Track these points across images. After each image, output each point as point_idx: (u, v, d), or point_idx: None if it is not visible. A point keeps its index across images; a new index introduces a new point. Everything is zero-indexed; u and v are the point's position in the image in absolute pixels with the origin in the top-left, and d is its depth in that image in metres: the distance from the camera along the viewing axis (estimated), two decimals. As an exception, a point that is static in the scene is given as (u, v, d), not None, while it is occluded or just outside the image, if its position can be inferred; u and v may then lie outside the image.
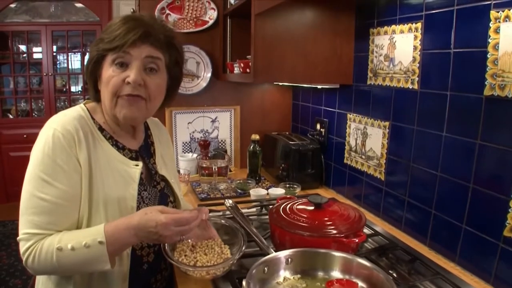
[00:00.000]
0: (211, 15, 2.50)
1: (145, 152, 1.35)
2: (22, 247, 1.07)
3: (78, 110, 1.21)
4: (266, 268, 1.12)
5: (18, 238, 1.09)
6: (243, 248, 1.21)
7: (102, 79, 1.18)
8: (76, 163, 1.12)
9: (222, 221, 1.35)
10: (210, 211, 1.74)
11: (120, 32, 1.12)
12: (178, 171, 2.17)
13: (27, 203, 1.08)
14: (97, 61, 1.18)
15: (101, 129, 1.22)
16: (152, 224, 1.08)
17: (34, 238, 1.06)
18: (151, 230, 1.08)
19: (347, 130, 2.09)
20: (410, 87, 1.59)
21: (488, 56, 1.23)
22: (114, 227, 1.09)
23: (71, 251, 1.04)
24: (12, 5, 4.69)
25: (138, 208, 1.22)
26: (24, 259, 1.07)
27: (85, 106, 1.24)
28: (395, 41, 1.67)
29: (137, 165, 1.25)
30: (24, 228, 1.08)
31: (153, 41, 1.18)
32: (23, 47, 5.03)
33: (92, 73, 1.21)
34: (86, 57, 5.10)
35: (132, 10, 2.95)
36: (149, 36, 1.16)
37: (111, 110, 1.19)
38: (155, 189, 1.33)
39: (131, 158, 1.27)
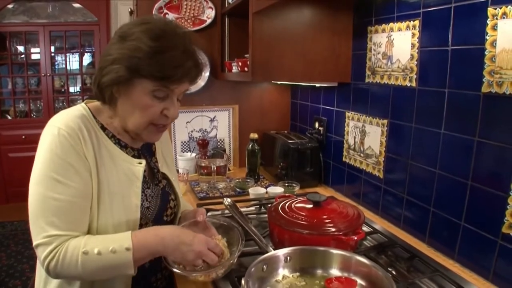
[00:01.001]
0: (209, 14, 2.50)
1: (146, 151, 1.36)
2: (43, 251, 1.04)
3: (79, 109, 1.20)
4: (265, 266, 1.12)
5: (35, 243, 1.05)
6: (241, 247, 1.21)
7: (131, 99, 1.13)
8: (84, 160, 1.11)
9: (220, 220, 1.35)
10: (209, 210, 1.75)
11: (180, 72, 1.10)
12: (177, 171, 2.17)
13: (42, 206, 1.06)
14: (128, 79, 1.10)
15: (103, 128, 1.22)
16: (189, 236, 1.13)
17: (57, 241, 1.04)
18: (185, 241, 1.12)
19: (345, 129, 2.09)
20: (408, 84, 1.59)
21: (486, 53, 1.24)
22: (142, 235, 1.11)
23: (97, 255, 1.03)
24: (10, 6, 4.69)
25: (142, 206, 1.23)
26: (46, 264, 1.04)
27: (87, 106, 1.23)
28: (393, 39, 1.67)
29: (140, 163, 1.25)
30: (42, 232, 1.04)
31: (196, 79, 1.20)
32: (21, 48, 5.03)
33: (115, 84, 1.12)
34: (85, 58, 5.14)
35: (129, 10, 2.95)
36: (195, 77, 1.19)
37: (136, 130, 1.18)
38: (157, 187, 1.33)
39: (134, 156, 1.27)
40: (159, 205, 1.30)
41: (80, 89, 5.21)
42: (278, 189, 2.07)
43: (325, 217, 1.36)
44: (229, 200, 1.58)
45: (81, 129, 1.13)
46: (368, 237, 1.61)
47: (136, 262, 1.08)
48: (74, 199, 1.08)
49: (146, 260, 1.14)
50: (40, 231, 1.05)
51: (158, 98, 1.13)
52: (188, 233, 1.15)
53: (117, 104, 1.17)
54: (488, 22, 1.22)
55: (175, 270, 1.15)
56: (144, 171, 1.27)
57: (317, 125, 2.38)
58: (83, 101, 1.28)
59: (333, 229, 1.29)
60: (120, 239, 1.08)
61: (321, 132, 2.33)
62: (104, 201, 1.15)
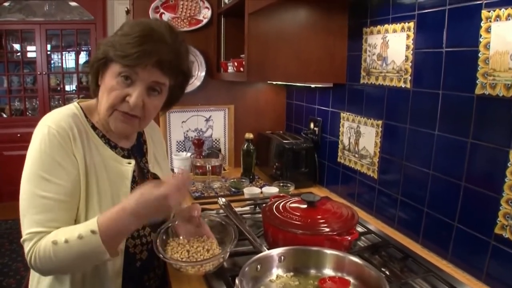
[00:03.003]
0: (205, 14, 2.50)
1: (137, 151, 1.36)
2: (26, 247, 1.05)
3: (71, 108, 1.21)
4: (259, 266, 1.12)
5: (22, 240, 1.07)
6: (234, 242, 1.20)
7: (104, 82, 1.17)
8: (73, 159, 1.12)
9: (217, 219, 1.35)
10: (204, 209, 1.74)
11: (135, 52, 1.09)
12: (172, 170, 2.17)
13: (29, 203, 1.07)
14: (103, 62, 1.16)
15: (94, 128, 1.22)
16: (149, 189, 1.05)
17: (37, 237, 1.05)
18: (148, 197, 1.04)
19: (340, 129, 2.10)
20: (403, 86, 1.60)
21: (480, 55, 1.24)
22: (107, 214, 1.06)
23: (65, 243, 1.02)
24: (6, 4, 4.67)
25: None
26: (28, 259, 1.06)
27: (79, 105, 1.24)
28: (388, 40, 1.68)
29: (129, 163, 1.26)
30: (27, 228, 1.06)
31: (165, 67, 1.15)
32: (17, 46, 5.01)
33: (96, 69, 1.19)
34: (81, 56, 5.13)
35: (126, 9, 2.94)
36: (162, 63, 1.14)
37: (105, 117, 1.18)
38: None
39: (124, 157, 1.27)
40: None
41: (76, 87, 5.20)
42: (273, 189, 2.07)
43: (319, 217, 1.36)
44: (223, 199, 1.58)
45: (72, 128, 1.14)
46: (362, 238, 1.61)
47: (108, 244, 1.04)
48: (60, 197, 1.08)
49: (121, 239, 1.12)
50: (25, 228, 1.07)
51: (124, 83, 1.14)
52: (149, 198, 1.04)
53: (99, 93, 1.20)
54: (482, 24, 1.23)
55: (166, 259, 1.14)
56: (134, 171, 1.27)
57: (312, 125, 2.39)
58: (78, 99, 1.28)
59: (327, 229, 1.29)
60: (86, 223, 1.06)
61: (316, 132, 2.33)
62: (93, 200, 1.15)
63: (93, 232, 1.02)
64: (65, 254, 1.03)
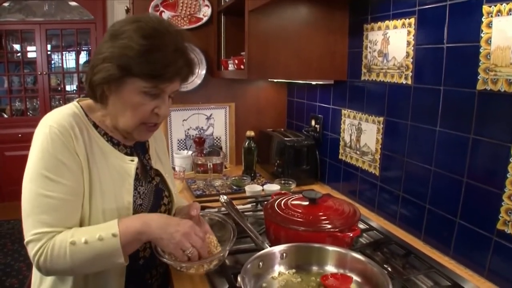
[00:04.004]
0: (205, 12, 2.50)
1: (139, 148, 1.36)
2: (33, 248, 1.04)
3: (71, 107, 1.20)
4: (261, 263, 1.13)
5: (26, 240, 1.06)
6: (234, 240, 1.20)
7: (123, 97, 1.13)
8: (76, 157, 1.12)
9: (217, 217, 1.35)
10: (205, 207, 1.75)
11: (170, 71, 1.10)
12: (173, 168, 2.17)
13: (33, 203, 1.07)
14: (120, 78, 1.10)
15: (95, 126, 1.22)
16: (175, 219, 1.14)
17: (46, 237, 1.04)
18: (171, 222, 1.12)
19: (341, 126, 2.10)
20: (404, 82, 1.60)
21: (481, 50, 1.24)
22: (127, 220, 1.10)
23: (85, 244, 1.03)
24: (6, 4, 4.67)
25: (135, 203, 1.23)
26: (35, 260, 1.05)
27: (79, 104, 1.23)
28: (389, 37, 1.67)
29: (132, 160, 1.25)
30: (32, 229, 1.05)
31: (187, 79, 1.20)
32: (17, 46, 5.01)
33: (106, 82, 1.12)
34: (81, 56, 5.13)
35: (126, 8, 2.94)
36: (185, 76, 1.18)
37: (127, 129, 1.18)
38: (150, 184, 1.33)
39: (126, 154, 1.27)
40: (152, 202, 1.30)
41: (76, 87, 5.20)
42: (274, 187, 2.07)
43: (321, 214, 1.36)
44: (225, 197, 1.58)
45: (73, 127, 1.13)
46: (364, 234, 1.61)
47: (124, 249, 1.06)
48: (65, 196, 1.08)
49: (135, 246, 1.13)
50: (30, 228, 1.05)
51: (149, 97, 1.13)
52: (174, 218, 1.16)
53: (108, 102, 1.17)
54: (483, 19, 1.22)
55: (165, 260, 1.14)
56: (137, 168, 1.27)
57: (313, 122, 2.39)
58: (79, 98, 1.28)
59: (329, 226, 1.29)
60: (106, 226, 1.07)
61: (318, 129, 2.33)
62: (96, 198, 1.15)
63: (114, 235, 1.05)
64: (81, 255, 1.04)
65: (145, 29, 1.09)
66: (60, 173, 1.08)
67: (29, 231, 1.05)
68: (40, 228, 1.05)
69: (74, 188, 1.10)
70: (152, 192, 1.32)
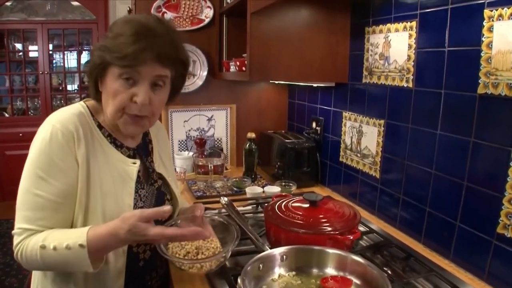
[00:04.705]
0: (207, 14, 2.50)
1: (143, 151, 1.36)
2: (15, 241, 1.09)
3: (78, 107, 1.21)
4: (261, 265, 1.13)
5: (12, 232, 1.10)
6: (236, 241, 1.20)
7: (106, 87, 1.16)
8: (73, 161, 1.12)
9: (220, 218, 1.35)
10: (206, 209, 1.74)
11: (131, 51, 1.08)
12: (174, 169, 2.17)
13: (22, 199, 1.10)
14: (102, 68, 1.15)
15: (100, 127, 1.22)
16: (141, 238, 1.07)
17: (25, 234, 1.08)
18: (140, 239, 1.08)
19: (342, 129, 2.10)
20: (405, 85, 1.60)
21: (482, 54, 1.24)
22: (97, 232, 1.06)
23: (53, 250, 1.05)
24: (8, 3, 4.67)
25: (136, 206, 1.23)
26: (14, 253, 1.10)
27: (86, 104, 1.24)
28: (390, 40, 1.67)
29: (134, 163, 1.25)
30: (18, 223, 1.10)
31: (164, 60, 1.15)
32: (19, 46, 5.02)
33: (94, 75, 1.18)
34: (83, 56, 5.13)
35: (128, 9, 2.95)
36: (160, 56, 1.13)
37: (114, 121, 1.18)
38: (152, 187, 1.33)
39: (129, 156, 1.27)
40: (154, 205, 1.30)
41: (78, 87, 5.21)
42: (275, 189, 2.07)
43: (321, 216, 1.36)
44: (226, 199, 1.58)
45: (77, 128, 1.13)
46: (364, 237, 1.62)
47: (93, 257, 1.05)
48: (53, 197, 1.09)
49: (107, 252, 1.13)
50: (16, 222, 1.10)
51: (127, 84, 1.13)
52: (139, 235, 1.06)
53: (102, 98, 1.19)
54: (484, 23, 1.23)
55: (167, 257, 1.14)
56: (139, 171, 1.27)
57: (314, 125, 2.39)
58: (81, 99, 1.29)
59: (329, 229, 1.29)
60: (76, 235, 1.06)
61: (318, 132, 2.33)
62: (96, 200, 1.15)
63: (81, 246, 1.04)
64: (51, 259, 1.07)
65: (125, 21, 1.14)
66: (53, 174, 1.09)
67: (15, 224, 1.10)
68: (23, 224, 1.09)
69: (64, 191, 1.11)
70: (154, 195, 1.32)
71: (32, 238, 1.07)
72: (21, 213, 1.09)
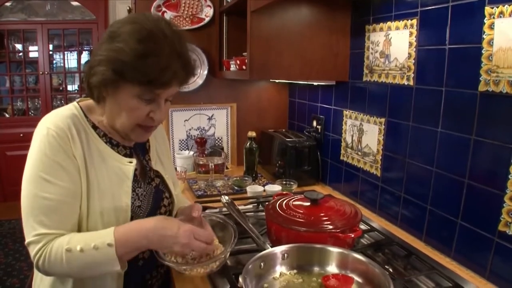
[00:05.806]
0: (207, 13, 2.50)
1: (140, 149, 1.35)
2: (33, 250, 1.06)
3: (71, 108, 1.20)
4: (262, 264, 1.13)
5: (27, 242, 1.07)
6: (235, 241, 1.20)
7: (118, 101, 1.13)
8: (73, 159, 1.12)
9: (217, 218, 1.35)
10: (207, 208, 1.75)
11: (162, 77, 1.06)
12: (175, 169, 2.17)
13: (32, 205, 1.07)
14: (115, 82, 1.09)
15: (94, 127, 1.22)
16: (173, 228, 1.09)
17: (45, 239, 1.05)
18: (170, 234, 1.08)
19: (343, 127, 2.10)
20: (406, 83, 1.60)
21: (483, 52, 1.24)
22: (124, 229, 1.09)
23: (80, 252, 1.03)
24: (8, 4, 4.68)
25: (133, 205, 1.22)
26: (35, 262, 1.06)
27: (78, 105, 1.23)
28: (391, 38, 1.67)
29: (130, 162, 1.25)
30: (32, 230, 1.06)
31: (185, 82, 1.17)
32: (19, 46, 5.02)
33: (103, 87, 1.12)
34: (83, 56, 5.13)
35: (128, 8, 2.95)
36: (182, 80, 1.14)
37: (124, 131, 1.18)
38: (150, 185, 1.32)
39: (126, 155, 1.26)
40: (152, 203, 1.29)
41: (78, 87, 5.22)
42: (275, 187, 2.07)
43: (322, 214, 1.36)
44: (227, 198, 1.58)
45: (70, 129, 1.13)
46: (365, 235, 1.62)
47: (121, 257, 1.07)
48: (63, 198, 1.08)
49: (133, 254, 1.13)
50: (30, 230, 1.06)
51: (144, 101, 1.12)
52: (172, 224, 1.11)
53: (106, 103, 1.17)
54: (485, 21, 1.22)
55: (166, 263, 1.14)
56: (136, 170, 1.26)
57: (315, 123, 2.39)
58: (79, 99, 1.27)
59: (330, 227, 1.29)
60: (102, 235, 1.07)
61: (319, 130, 2.33)
62: (94, 200, 1.15)
63: (109, 245, 1.05)
64: (77, 262, 1.05)
65: (140, 32, 1.06)
66: (58, 175, 1.09)
67: (29, 232, 1.06)
68: (40, 230, 1.06)
69: (71, 190, 1.10)
70: (152, 194, 1.31)
71: (54, 243, 1.05)
72: (35, 219, 1.06)
